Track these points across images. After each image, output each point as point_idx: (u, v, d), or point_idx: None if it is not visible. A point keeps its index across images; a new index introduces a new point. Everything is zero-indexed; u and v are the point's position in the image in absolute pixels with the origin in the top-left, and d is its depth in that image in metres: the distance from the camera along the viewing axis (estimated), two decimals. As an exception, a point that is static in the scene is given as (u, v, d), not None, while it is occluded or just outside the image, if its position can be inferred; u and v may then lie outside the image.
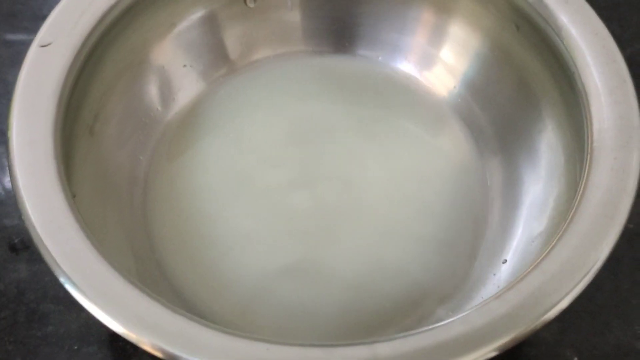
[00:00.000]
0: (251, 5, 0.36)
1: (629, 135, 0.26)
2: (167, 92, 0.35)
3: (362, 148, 0.34)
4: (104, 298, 0.23)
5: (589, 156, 0.26)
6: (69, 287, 0.23)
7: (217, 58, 0.36)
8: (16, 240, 0.34)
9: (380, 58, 0.37)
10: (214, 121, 0.35)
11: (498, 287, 0.29)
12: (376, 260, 0.31)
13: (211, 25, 0.35)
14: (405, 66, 0.37)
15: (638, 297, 0.33)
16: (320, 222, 0.32)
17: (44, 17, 0.29)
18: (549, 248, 0.24)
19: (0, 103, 0.38)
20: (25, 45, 0.28)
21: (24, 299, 0.32)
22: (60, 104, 0.27)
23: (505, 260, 0.30)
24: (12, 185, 0.25)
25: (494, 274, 0.30)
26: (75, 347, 0.31)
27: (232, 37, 0.36)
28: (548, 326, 0.30)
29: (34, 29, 0.29)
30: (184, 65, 0.35)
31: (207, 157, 0.34)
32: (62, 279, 0.23)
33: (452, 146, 0.35)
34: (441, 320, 0.23)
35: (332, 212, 0.32)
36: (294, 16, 0.37)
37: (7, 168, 0.35)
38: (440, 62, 0.36)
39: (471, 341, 0.22)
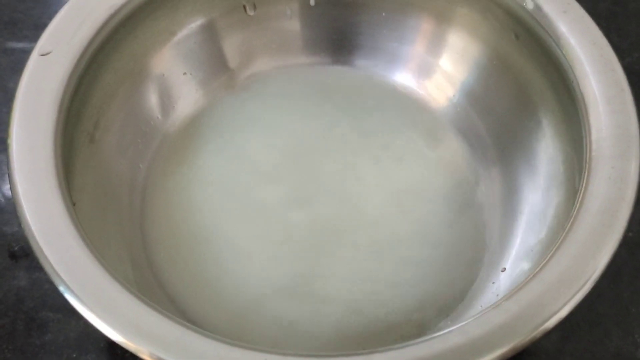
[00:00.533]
0: (251, 13, 0.36)
1: (627, 144, 0.26)
2: (166, 101, 0.35)
3: (361, 160, 0.34)
4: (102, 306, 0.23)
5: (587, 165, 0.26)
6: (67, 296, 0.23)
7: (216, 66, 0.36)
8: (16, 248, 0.34)
9: (379, 67, 0.37)
10: (213, 132, 0.35)
11: (497, 295, 0.29)
12: (375, 279, 0.31)
13: (211, 33, 0.35)
14: (404, 75, 0.37)
15: (638, 305, 0.33)
16: (317, 237, 0.32)
17: (44, 26, 0.29)
18: (548, 257, 0.24)
19: (0, 111, 0.38)
20: (26, 53, 0.28)
21: (23, 306, 0.32)
22: (61, 112, 0.27)
23: (505, 269, 0.30)
24: (12, 192, 0.25)
25: (493, 283, 0.30)
26: (74, 355, 0.31)
27: (232, 46, 0.36)
28: (548, 335, 0.30)
29: (34, 38, 0.29)
30: (184, 73, 0.35)
31: (206, 169, 0.34)
32: (60, 288, 0.23)
33: (451, 156, 0.35)
34: (440, 330, 0.23)
35: (329, 227, 0.32)
36: (294, 25, 0.37)
37: (7, 175, 0.35)
38: (439, 71, 0.36)
39: (470, 351, 0.22)
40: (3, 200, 0.35)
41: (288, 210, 0.33)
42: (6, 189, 0.35)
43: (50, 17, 0.29)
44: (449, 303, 0.30)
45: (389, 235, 0.32)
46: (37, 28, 0.40)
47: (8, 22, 0.41)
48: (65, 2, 0.30)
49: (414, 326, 0.30)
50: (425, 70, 0.36)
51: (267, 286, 0.31)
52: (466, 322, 0.23)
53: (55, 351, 0.31)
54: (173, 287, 0.31)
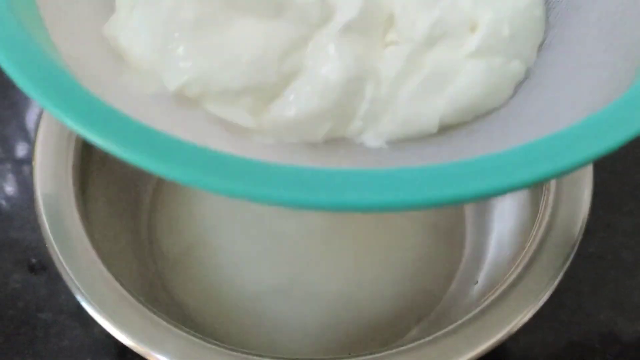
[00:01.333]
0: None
1: (580, 173, 0.29)
2: (170, 128, 0.37)
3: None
4: (115, 315, 0.25)
5: (547, 191, 0.29)
6: (85, 305, 0.25)
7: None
8: (34, 262, 0.35)
9: None
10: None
11: (469, 306, 0.32)
12: (358, 282, 0.33)
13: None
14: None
15: (598, 314, 0.34)
16: (307, 246, 0.34)
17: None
18: (513, 270, 0.27)
19: (3, 116, 0.39)
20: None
21: (42, 315, 0.33)
22: (78, 141, 0.29)
23: (477, 282, 0.32)
24: (37, 213, 0.27)
25: (466, 295, 0.32)
26: (89, 360, 0.32)
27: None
28: (516, 341, 0.33)
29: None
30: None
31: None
32: (79, 298, 0.26)
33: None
34: (417, 336, 0.26)
35: (318, 237, 0.34)
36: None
37: (22, 196, 0.37)
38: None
39: (443, 353, 0.25)
40: (23, 219, 0.36)
41: (281, 223, 0.35)
42: (25, 206, 0.37)
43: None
44: (426, 313, 0.33)
45: (372, 248, 0.34)
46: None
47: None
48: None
49: (394, 333, 0.32)
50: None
51: (263, 291, 0.33)
52: (442, 330, 0.25)
53: (72, 356, 0.32)
54: (179, 296, 0.33)
